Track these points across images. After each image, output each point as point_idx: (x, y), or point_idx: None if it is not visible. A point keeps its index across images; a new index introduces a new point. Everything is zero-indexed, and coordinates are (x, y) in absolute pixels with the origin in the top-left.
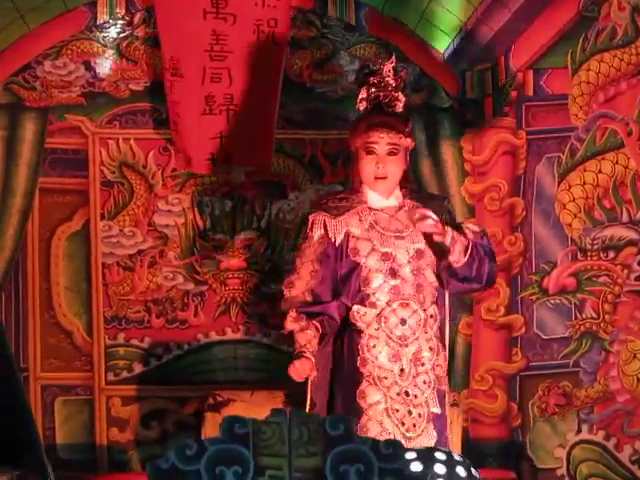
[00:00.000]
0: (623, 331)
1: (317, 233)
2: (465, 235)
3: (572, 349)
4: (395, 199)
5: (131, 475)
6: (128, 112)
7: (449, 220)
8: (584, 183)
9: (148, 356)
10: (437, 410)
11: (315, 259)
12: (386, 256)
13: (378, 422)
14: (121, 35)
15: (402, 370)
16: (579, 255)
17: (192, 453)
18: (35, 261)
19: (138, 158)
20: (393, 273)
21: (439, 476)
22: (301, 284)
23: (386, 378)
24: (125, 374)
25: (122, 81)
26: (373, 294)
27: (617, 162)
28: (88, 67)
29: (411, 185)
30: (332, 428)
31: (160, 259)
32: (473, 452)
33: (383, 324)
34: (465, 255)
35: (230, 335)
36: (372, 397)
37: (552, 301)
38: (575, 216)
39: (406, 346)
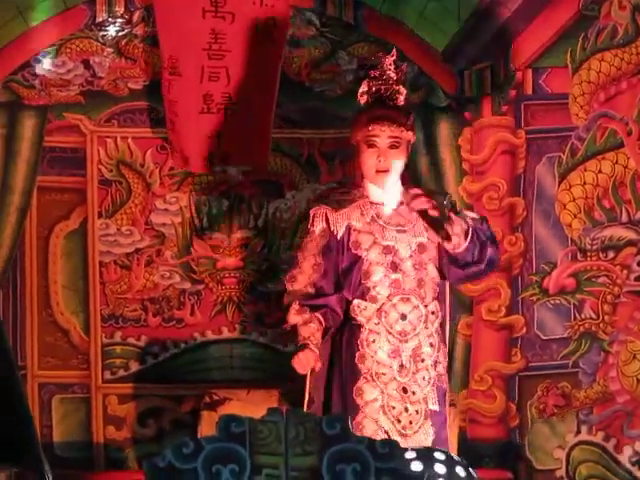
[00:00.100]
0: (622, 332)
1: (319, 226)
2: (465, 221)
3: (571, 350)
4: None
5: (127, 473)
6: (126, 111)
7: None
8: (584, 183)
9: (145, 355)
10: (435, 407)
11: (317, 252)
12: (387, 249)
13: (374, 420)
14: (120, 33)
15: (402, 366)
16: (579, 255)
17: (189, 451)
18: (33, 259)
19: (136, 157)
20: (394, 267)
21: (440, 476)
22: (303, 278)
23: (384, 374)
24: (122, 372)
25: (121, 80)
26: (374, 287)
27: (617, 162)
28: (87, 65)
29: (408, 184)
30: (329, 427)
31: (157, 258)
32: (470, 452)
33: (383, 319)
34: (466, 239)
35: (226, 334)
36: (369, 394)
37: (552, 302)
38: (575, 216)
39: (406, 342)
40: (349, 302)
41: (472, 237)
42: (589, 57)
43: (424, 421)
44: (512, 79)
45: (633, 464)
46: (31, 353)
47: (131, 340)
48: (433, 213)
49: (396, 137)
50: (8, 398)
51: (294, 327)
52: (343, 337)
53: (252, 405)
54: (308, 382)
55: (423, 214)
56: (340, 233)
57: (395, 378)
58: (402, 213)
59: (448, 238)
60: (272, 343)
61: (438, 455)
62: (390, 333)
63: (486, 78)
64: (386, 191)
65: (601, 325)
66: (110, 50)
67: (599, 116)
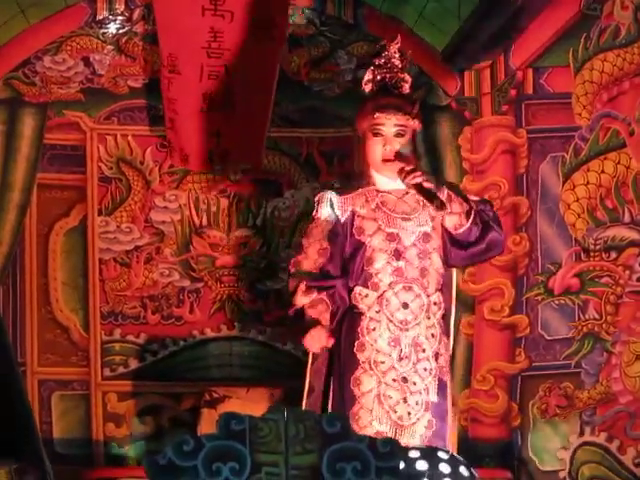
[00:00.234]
0: (625, 332)
1: (324, 211)
2: (467, 201)
3: (574, 350)
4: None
5: (127, 470)
6: (126, 108)
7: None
8: (587, 183)
9: (144, 352)
10: (435, 399)
11: (323, 237)
12: (391, 237)
13: (369, 410)
14: (120, 31)
15: (401, 355)
16: (582, 256)
17: (189, 449)
18: (33, 256)
19: (136, 154)
20: (398, 254)
21: (444, 475)
22: (309, 262)
23: (383, 363)
24: (121, 370)
25: (121, 77)
26: (376, 274)
27: (619, 162)
28: (87, 63)
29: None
30: (329, 425)
31: (156, 255)
32: (470, 452)
33: (384, 307)
34: (468, 220)
35: (225, 332)
36: (366, 385)
37: (557, 302)
38: (579, 216)
39: (407, 330)
40: (351, 290)
41: (474, 218)
42: (592, 57)
43: (424, 413)
44: (512, 79)
45: (636, 465)
46: (31, 350)
47: (130, 337)
48: (428, 185)
49: (402, 125)
50: (8, 395)
51: (300, 311)
52: (343, 325)
53: (251, 403)
54: (308, 371)
55: (418, 188)
56: (344, 218)
57: (394, 367)
58: (407, 201)
59: (442, 206)
60: (271, 341)
61: (442, 454)
62: (391, 321)
63: (486, 78)
64: (391, 179)
65: (604, 325)
66: (110, 48)
67: (602, 116)
